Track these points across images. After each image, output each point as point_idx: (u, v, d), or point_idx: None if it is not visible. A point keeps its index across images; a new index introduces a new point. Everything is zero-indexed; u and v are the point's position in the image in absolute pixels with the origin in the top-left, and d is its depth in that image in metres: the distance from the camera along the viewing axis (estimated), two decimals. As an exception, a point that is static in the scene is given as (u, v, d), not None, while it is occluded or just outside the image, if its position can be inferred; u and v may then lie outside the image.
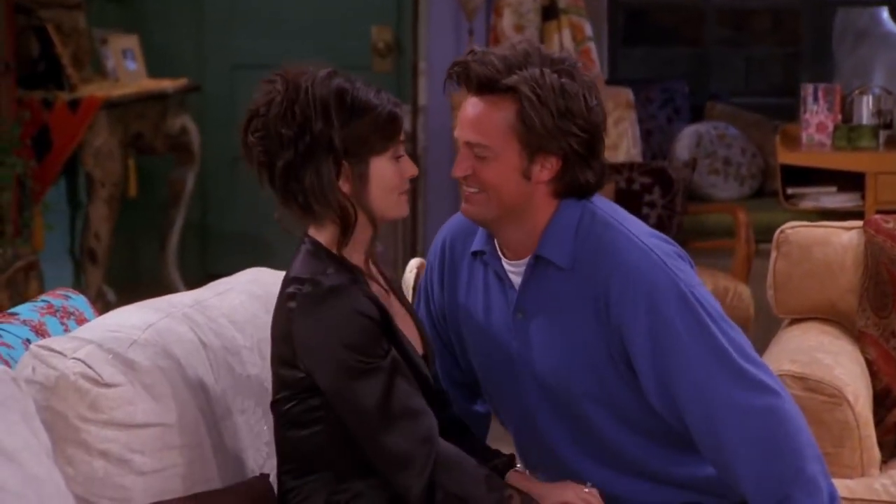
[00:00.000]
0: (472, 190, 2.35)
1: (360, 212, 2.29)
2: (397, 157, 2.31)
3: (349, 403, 2.23)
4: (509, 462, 2.41)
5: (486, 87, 2.32)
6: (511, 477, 2.38)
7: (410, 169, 2.33)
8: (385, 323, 2.27)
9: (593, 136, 2.34)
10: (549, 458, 2.43)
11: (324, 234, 2.31)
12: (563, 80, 2.31)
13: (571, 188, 2.36)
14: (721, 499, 2.41)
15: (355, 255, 2.32)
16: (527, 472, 2.40)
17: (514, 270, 2.41)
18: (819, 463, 2.29)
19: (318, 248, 2.31)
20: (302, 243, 2.33)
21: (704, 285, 2.36)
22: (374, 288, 2.32)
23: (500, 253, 2.42)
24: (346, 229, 2.28)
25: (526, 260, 2.39)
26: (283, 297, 2.30)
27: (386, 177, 2.29)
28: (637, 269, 2.30)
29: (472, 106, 2.35)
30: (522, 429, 2.46)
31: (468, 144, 2.35)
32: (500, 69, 2.31)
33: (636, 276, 2.30)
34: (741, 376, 2.28)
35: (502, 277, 2.42)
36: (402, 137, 2.33)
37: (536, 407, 2.41)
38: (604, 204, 2.40)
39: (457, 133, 2.37)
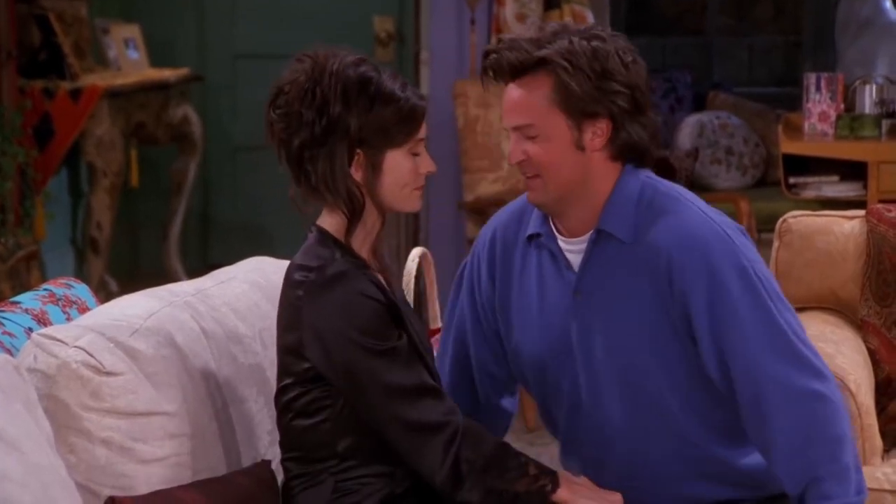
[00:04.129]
0: (529, 174, 2.34)
1: (369, 201, 2.29)
2: (415, 154, 2.30)
3: (368, 385, 2.23)
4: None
5: (519, 70, 2.32)
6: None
7: (428, 165, 2.33)
8: (391, 308, 2.27)
9: (636, 91, 2.32)
10: (599, 444, 2.41)
11: (332, 222, 2.31)
12: (594, 43, 2.30)
13: (627, 148, 2.34)
14: (756, 491, 2.41)
15: (362, 245, 2.32)
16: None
17: (572, 249, 2.39)
18: (855, 456, 2.30)
19: (324, 236, 2.31)
20: (309, 232, 2.33)
21: (766, 265, 2.36)
22: (379, 275, 2.32)
23: (556, 233, 2.40)
24: (352, 217, 2.28)
25: (584, 237, 2.37)
26: (290, 284, 2.30)
27: (400, 171, 2.29)
28: (700, 238, 2.30)
29: (510, 91, 2.34)
30: (574, 417, 2.43)
31: (516, 129, 2.34)
32: (529, 50, 2.31)
33: (698, 244, 2.30)
34: (794, 357, 2.29)
35: (558, 258, 2.39)
36: (421, 135, 2.31)
37: (593, 392, 2.38)
38: (665, 181, 2.39)
39: (504, 122, 2.36)
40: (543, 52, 2.29)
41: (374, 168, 2.27)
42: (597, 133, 2.32)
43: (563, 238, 2.40)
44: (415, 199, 2.33)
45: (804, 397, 2.28)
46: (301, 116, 2.26)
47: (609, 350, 2.36)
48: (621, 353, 2.35)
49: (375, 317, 2.23)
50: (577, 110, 2.30)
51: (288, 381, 2.31)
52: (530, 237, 2.43)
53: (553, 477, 2.28)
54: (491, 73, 2.35)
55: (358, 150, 2.27)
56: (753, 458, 2.40)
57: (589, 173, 2.34)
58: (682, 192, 2.38)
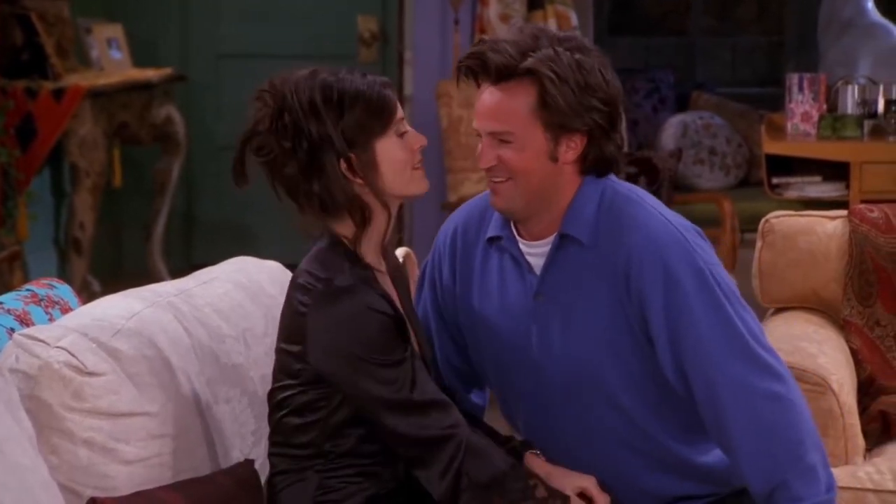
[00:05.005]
0: (499, 179, 2.34)
1: (374, 202, 2.28)
2: (401, 134, 2.30)
3: (373, 399, 2.22)
4: (525, 444, 2.41)
5: (503, 74, 2.31)
6: (528, 459, 2.38)
7: (418, 139, 2.31)
8: (398, 321, 2.27)
9: (614, 109, 2.33)
10: (560, 448, 2.42)
11: (343, 229, 2.31)
12: (578, 55, 2.30)
13: (596, 163, 2.36)
14: (719, 486, 2.42)
15: (371, 248, 2.32)
16: (541, 455, 2.41)
17: (533, 252, 2.39)
18: (819, 453, 2.30)
19: (335, 244, 2.30)
20: (321, 236, 2.33)
21: (723, 266, 2.37)
22: (385, 285, 2.32)
23: (517, 236, 2.41)
24: (362, 222, 2.28)
25: (546, 240, 2.38)
26: (295, 288, 2.29)
27: (394, 156, 2.28)
28: (657, 240, 2.31)
29: (489, 95, 2.33)
30: (533, 417, 2.45)
31: (491, 134, 2.33)
32: (513, 55, 2.30)
33: (656, 246, 2.30)
34: (750, 358, 2.29)
35: (520, 262, 2.40)
36: (400, 114, 2.30)
37: (548, 392, 2.40)
38: (625, 184, 2.41)
39: (476, 124, 2.35)
40: (530, 62, 2.28)
41: (370, 164, 2.27)
42: (571, 146, 2.33)
43: (523, 241, 2.41)
44: (418, 180, 2.31)
45: (761, 399, 2.28)
46: (283, 149, 2.26)
47: (567, 352, 2.37)
48: (579, 354, 2.37)
49: (382, 331, 2.23)
50: (557, 123, 2.30)
51: (286, 380, 2.31)
52: (491, 239, 2.44)
53: (566, 500, 2.29)
54: (469, 74, 2.34)
55: (350, 154, 2.26)
56: (713, 456, 2.40)
57: (557, 183, 2.35)
58: (641, 195, 2.39)
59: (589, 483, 2.35)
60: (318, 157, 2.25)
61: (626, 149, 5.82)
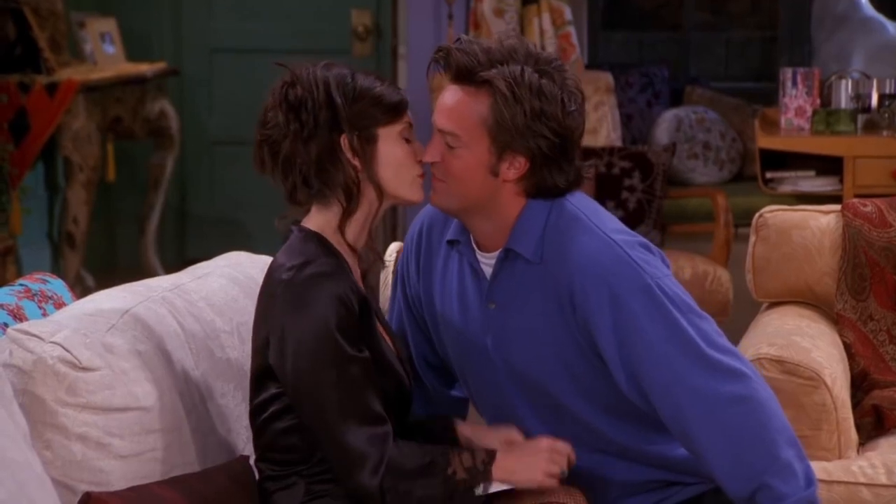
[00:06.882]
0: (438, 178, 2.35)
1: (367, 185, 2.28)
2: (406, 139, 2.30)
3: (313, 393, 2.22)
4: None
5: (464, 76, 2.31)
6: (458, 427, 2.40)
7: (420, 151, 2.32)
8: (365, 317, 2.27)
9: (566, 141, 2.31)
10: None
11: (320, 220, 2.30)
12: (543, 80, 2.29)
13: (539, 189, 2.35)
14: (699, 478, 2.41)
15: (360, 233, 2.31)
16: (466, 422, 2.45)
17: (487, 262, 2.40)
18: (793, 447, 2.28)
19: (307, 235, 2.30)
20: (290, 232, 2.32)
21: (673, 276, 2.34)
22: (357, 279, 2.31)
23: (473, 245, 2.42)
24: (349, 202, 2.27)
25: (494, 254, 2.38)
26: (269, 281, 2.29)
27: (396, 152, 2.29)
28: (599, 263, 2.30)
29: (449, 93, 2.34)
30: (497, 416, 2.46)
31: (440, 131, 2.34)
32: (481, 61, 2.30)
33: (598, 270, 2.29)
34: (708, 366, 2.27)
35: (476, 269, 2.41)
36: (408, 119, 2.31)
37: (510, 395, 2.41)
38: (575, 197, 2.38)
39: (433, 118, 2.36)
40: (491, 73, 2.28)
41: (370, 150, 2.27)
42: (513, 166, 2.32)
43: (479, 251, 2.41)
44: (417, 187, 2.31)
45: (725, 405, 2.26)
46: (287, 120, 2.26)
47: (521, 360, 2.38)
48: (532, 364, 2.37)
49: (341, 325, 2.22)
50: (502, 140, 2.30)
51: (261, 379, 2.31)
52: (450, 242, 2.45)
53: (486, 470, 2.26)
54: (441, 65, 2.34)
55: (351, 135, 2.26)
56: (683, 451, 2.38)
57: (496, 198, 2.34)
58: (587, 212, 2.36)
59: (512, 433, 2.35)
60: (321, 129, 2.25)
61: (620, 143, 5.82)
